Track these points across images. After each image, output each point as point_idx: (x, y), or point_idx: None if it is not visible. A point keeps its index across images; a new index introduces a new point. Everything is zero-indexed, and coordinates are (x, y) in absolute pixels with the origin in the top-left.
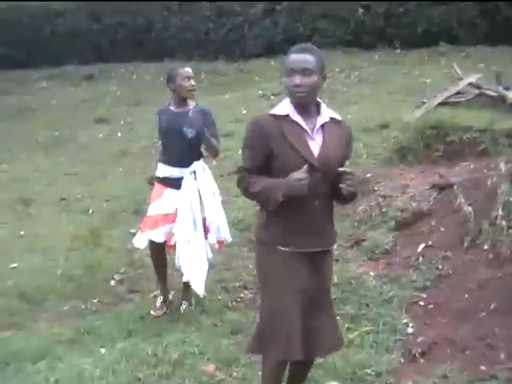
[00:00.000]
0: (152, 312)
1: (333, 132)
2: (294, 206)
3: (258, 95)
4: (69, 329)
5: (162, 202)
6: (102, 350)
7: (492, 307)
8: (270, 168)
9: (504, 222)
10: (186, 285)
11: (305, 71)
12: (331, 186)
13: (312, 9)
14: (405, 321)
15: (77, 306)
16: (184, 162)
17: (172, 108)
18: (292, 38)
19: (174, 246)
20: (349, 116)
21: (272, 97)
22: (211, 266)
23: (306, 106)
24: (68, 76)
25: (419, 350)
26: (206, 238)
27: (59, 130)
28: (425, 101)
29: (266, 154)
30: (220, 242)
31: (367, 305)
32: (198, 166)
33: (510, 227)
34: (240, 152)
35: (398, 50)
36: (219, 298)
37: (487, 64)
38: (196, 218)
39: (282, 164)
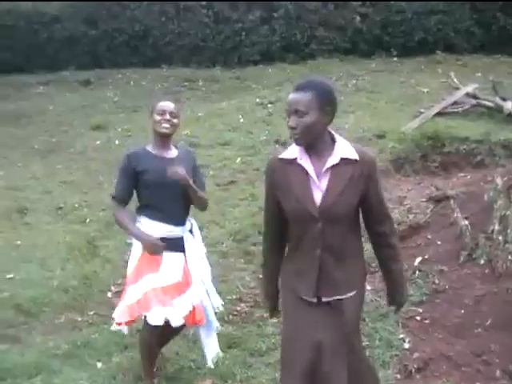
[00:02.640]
0: None
1: (342, 175)
2: (299, 252)
3: (255, 103)
4: (65, 342)
5: (164, 270)
6: (99, 364)
7: (488, 323)
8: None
9: (500, 237)
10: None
11: (297, 112)
12: (347, 236)
13: (309, 16)
14: (401, 336)
15: (73, 318)
16: (183, 219)
17: (156, 152)
18: (289, 46)
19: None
20: (346, 125)
21: (269, 105)
22: None
23: (313, 146)
24: (65, 82)
25: (415, 366)
26: None
27: (56, 136)
28: (422, 110)
29: (276, 201)
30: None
31: (363, 319)
32: (193, 221)
33: (507, 242)
34: (237, 161)
35: (395, 58)
36: (215, 311)
37: (484, 73)
38: (204, 280)
39: (289, 213)
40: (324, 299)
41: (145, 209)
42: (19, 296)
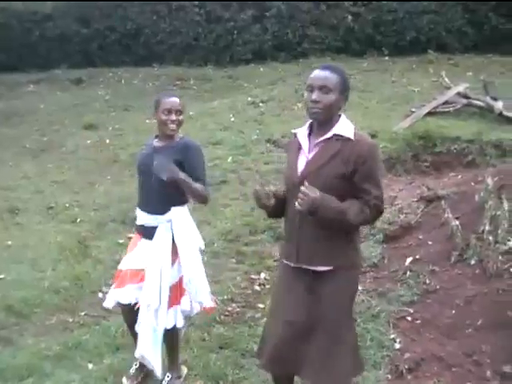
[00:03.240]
0: (124, 380)
1: (329, 149)
2: (287, 218)
3: (246, 102)
4: (56, 343)
5: (134, 254)
6: (90, 366)
7: (479, 323)
8: None
9: (491, 237)
10: (172, 351)
11: (323, 88)
12: None
13: (301, 15)
14: (392, 336)
15: (64, 319)
16: (160, 208)
17: (155, 141)
18: (281, 45)
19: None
20: None
21: (261, 104)
22: None
23: (322, 124)
24: (56, 80)
25: (406, 367)
26: (179, 304)
27: (47, 135)
28: (413, 110)
29: None
30: (210, 308)
31: (355, 320)
32: (176, 213)
33: (497, 242)
34: (229, 160)
35: (387, 58)
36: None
37: (475, 72)
38: (163, 279)
39: (283, 180)
40: (299, 265)
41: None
42: (10, 297)
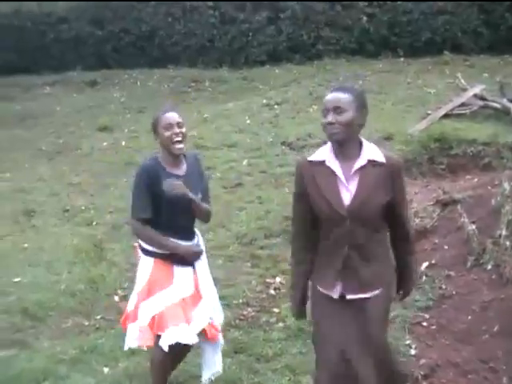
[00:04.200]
0: None
1: (369, 177)
2: (327, 251)
3: (261, 104)
4: (72, 347)
5: (176, 286)
6: (105, 370)
7: (495, 330)
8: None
9: (508, 242)
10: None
11: (336, 109)
12: (373, 235)
13: (316, 17)
14: (408, 342)
15: (80, 322)
16: (191, 232)
17: (167, 168)
18: (296, 46)
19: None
20: None
21: (276, 106)
22: (214, 282)
23: (344, 146)
24: (71, 82)
25: (422, 373)
26: None
27: (62, 137)
28: (429, 112)
29: (305, 202)
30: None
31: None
32: (199, 234)
33: None
34: (244, 163)
35: (402, 59)
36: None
37: (491, 74)
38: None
39: (319, 214)
40: (348, 296)
41: (155, 224)
42: (26, 300)
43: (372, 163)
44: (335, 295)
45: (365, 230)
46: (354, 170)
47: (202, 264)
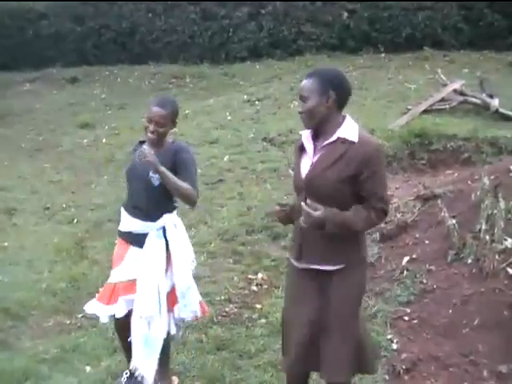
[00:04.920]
0: None
1: (333, 152)
2: (295, 220)
3: (242, 100)
4: (53, 346)
5: (125, 265)
6: (87, 368)
7: (475, 323)
8: None
9: (487, 237)
10: (164, 360)
11: (302, 98)
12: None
13: (297, 12)
14: (389, 336)
15: (61, 321)
16: (151, 215)
17: (145, 146)
18: (277, 42)
19: None
20: None
21: (257, 102)
22: (196, 279)
23: (319, 127)
24: (52, 79)
25: (403, 367)
26: (172, 311)
27: (43, 135)
28: (409, 107)
29: None
30: (204, 314)
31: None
32: (169, 220)
33: (494, 241)
34: (225, 159)
35: (383, 55)
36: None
37: (471, 69)
38: (160, 288)
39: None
40: (307, 266)
41: (125, 200)
42: (7, 299)
43: (341, 140)
44: (296, 263)
45: (323, 204)
46: (321, 145)
47: (153, 250)
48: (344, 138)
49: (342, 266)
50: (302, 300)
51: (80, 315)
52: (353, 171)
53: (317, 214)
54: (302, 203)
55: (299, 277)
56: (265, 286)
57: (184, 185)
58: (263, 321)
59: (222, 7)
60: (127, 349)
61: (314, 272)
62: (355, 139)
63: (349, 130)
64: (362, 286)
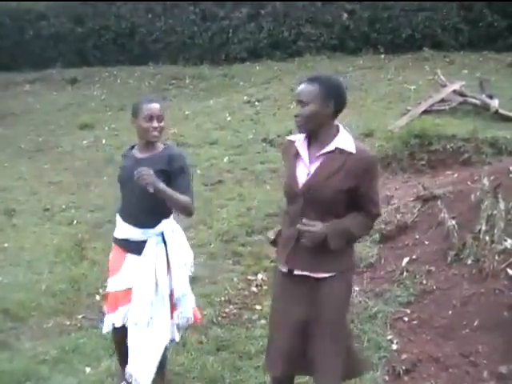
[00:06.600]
0: None
1: (332, 163)
2: (285, 225)
3: (242, 101)
4: (53, 347)
5: (122, 273)
6: (87, 369)
7: (475, 324)
8: None
9: (487, 237)
10: (162, 367)
11: (300, 102)
12: (329, 216)
13: (296, 13)
14: (389, 337)
15: (61, 322)
16: (148, 222)
17: (135, 152)
18: (276, 43)
19: None
20: None
21: (256, 103)
22: (196, 280)
23: (314, 134)
24: (51, 80)
25: (403, 368)
26: (172, 318)
27: (43, 135)
28: (409, 108)
29: None
30: (197, 321)
31: (352, 321)
32: (167, 226)
33: (494, 242)
34: (225, 160)
35: (383, 56)
36: (204, 313)
37: (471, 70)
38: (164, 293)
39: (283, 187)
40: (295, 272)
41: (120, 206)
42: (7, 300)
43: (339, 151)
44: (284, 269)
45: (320, 211)
46: (319, 153)
47: (152, 258)
48: (342, 149)
49: (334, 274)
50: (291, 302)
51: (80, 316)
52: (353, 182)
53: (318, 228)
54: (299, 225)
55: (288, 282)
56: (264, 287)
57: (182, 197)
58: (263, 322)
59: (222, 8)
60: (121, 362)
61: (305, 277)
62: (353, 150)
63: (345, 140)
64: (350, 290)
